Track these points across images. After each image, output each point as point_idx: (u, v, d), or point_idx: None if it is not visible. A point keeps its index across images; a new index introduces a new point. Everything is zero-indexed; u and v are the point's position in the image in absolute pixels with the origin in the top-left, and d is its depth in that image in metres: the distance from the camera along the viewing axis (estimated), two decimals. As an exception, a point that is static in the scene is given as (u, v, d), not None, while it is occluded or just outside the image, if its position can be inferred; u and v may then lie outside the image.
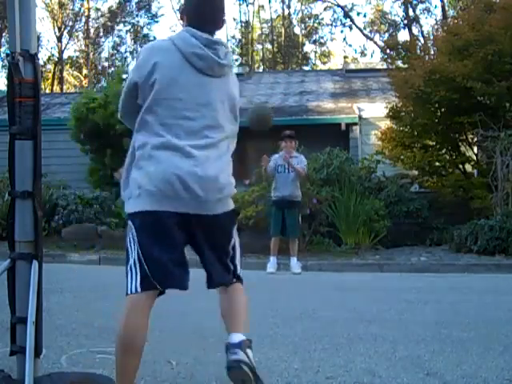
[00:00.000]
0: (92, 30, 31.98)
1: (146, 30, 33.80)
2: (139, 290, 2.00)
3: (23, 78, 2.11)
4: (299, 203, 7.40)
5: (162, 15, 52.03)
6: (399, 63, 12.28)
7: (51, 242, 9.41)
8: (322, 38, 35.26)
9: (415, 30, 27.24)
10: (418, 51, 12.35)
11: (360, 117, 12.62)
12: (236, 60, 34.76)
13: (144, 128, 2.11)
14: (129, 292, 2.01)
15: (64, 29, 30.26)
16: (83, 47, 31.80)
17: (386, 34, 29.46)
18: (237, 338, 2.18)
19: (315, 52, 36.17)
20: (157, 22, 41.61)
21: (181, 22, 2.40)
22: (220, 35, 2.23)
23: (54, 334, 3.19)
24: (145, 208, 2.03)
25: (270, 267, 7.25)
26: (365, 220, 9.40)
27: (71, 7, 30.62)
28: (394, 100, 11.39)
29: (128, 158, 2.16)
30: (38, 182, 2.15)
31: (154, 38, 34.76)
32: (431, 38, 14.49)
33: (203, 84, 2.15)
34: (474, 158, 11.04)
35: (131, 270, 2.03)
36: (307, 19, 34.53)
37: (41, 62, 2.25)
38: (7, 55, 2.10)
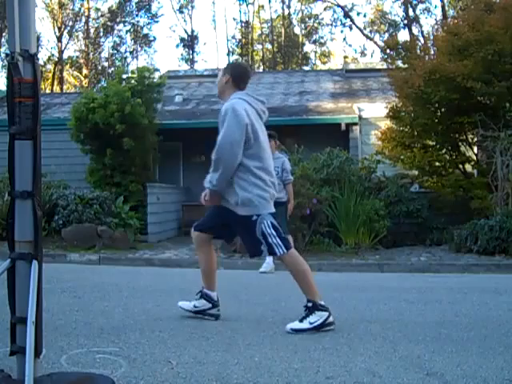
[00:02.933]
0: (92, 30, 32.02)
1: (145, 30, 33.90)
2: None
3: (23, 77, 2.11)
4: (286, 203, 7.32)
5: (162, 15, 52.17)
6: (399, 63, 12.27)
7: (51, 241, 9.42)
8: (322, 38, 35.37)
9: (415, 30, 27.31)
10: (418, 51, 12.34)
11: (360, 117, 12.62)
12: (236, 60, 34.79)
13: None
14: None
15: (64, 29, 30.30)
16: (83, 47, 31.84)
17: (386, 34, 29.52)
18: None
19: (315, 52, 36.24)
20: (157, 22, 41.76)
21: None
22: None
23: (54, 334, 3.19)
24: None
25: (262, 267, 7.16)
26: (365, 220, 9.40)
27: (71, 7, 30.68)
28: (394, 100, 11.38)
29: None
30: (38, 182, 2.15)
31: (154, 38, 34.82)
32: (431, 38, 14.47)
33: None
34: (474, 158, 11.04)
35: None
36: (307, 19, 34.60)
37: (41, 62, 2.25)
38: (7, 55, 2.10)
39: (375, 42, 30.40)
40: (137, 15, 33.10)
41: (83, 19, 31.23)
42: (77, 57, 32.61)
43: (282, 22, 34.28)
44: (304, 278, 3.56)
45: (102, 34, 32.25)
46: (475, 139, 10.82)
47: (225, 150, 3.47)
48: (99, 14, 32.13)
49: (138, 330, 3.44)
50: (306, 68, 32.38)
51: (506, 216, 8.52)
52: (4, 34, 25.54)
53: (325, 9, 32.77)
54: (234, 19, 45.16)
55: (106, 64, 33.19)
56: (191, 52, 35.14)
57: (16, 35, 2.07)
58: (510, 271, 7.54)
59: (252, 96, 3.67)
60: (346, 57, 32.77)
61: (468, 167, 11.14)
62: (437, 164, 10.72)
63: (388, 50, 13.26)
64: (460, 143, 11.00)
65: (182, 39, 34.66)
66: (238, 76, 3.70)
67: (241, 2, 36.71)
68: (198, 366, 2.68)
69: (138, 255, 9.14)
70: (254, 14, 34.74)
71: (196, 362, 2.74)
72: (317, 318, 3.43)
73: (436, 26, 16.06)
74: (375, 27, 31.54)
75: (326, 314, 3.45)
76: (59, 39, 30.35)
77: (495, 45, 9.39)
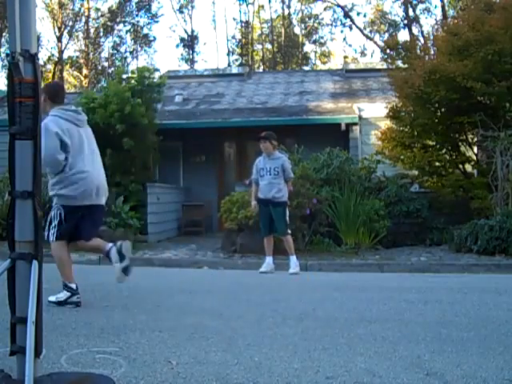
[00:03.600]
0: (92, 30, 32.00)
1: (145, 30, 33.89)
2: None
3: (23, 77, 2.11)
4: (284, 203, 7.34)
5: (162, 15, 52.15)
6: (399, 63, 12.27)
7: (51, 241, 9.39)
8: (322, 38, 35.36)
9: (415, 30, 27.31)
10: (418, 51, 12.34)
11: (360, 117, 12.62)
12: (236, 60, 34.81)
13: None
14: None
15: (64, 29, 30.27)
16: (83, 47, 31.81)
17: (386, 34, 29.51)
18: None
19: (315, 52, 36.23)
20: (157, 22, 41.71)
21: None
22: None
23: (54, 334, 3.19)
24: None
25: (262, 267, 7.26)
26: (365, 220, 9.40)
27: (71, 7, 30.65)
28: (394, 100, 11.38)
29: None
30: (38, 182, 2.15)
31: (154, 38, 34.81)
32: (431, 38, 14.47)
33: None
34: (474, 158, 11.05)
35: None
36: (307, 19, 34.59)
37: (41, 62, 2.25)
38: (7, 55, 2.10)
39: (375, 42, 30.41)
40: (137, 15, 33.09)
41: (83, 19, 31.20)
42: (77, 57, 32.59)
43: (282, 22, 34.27)
44: (62, 266, 4.31)
45: (102, 33, 32.22)
46: (475, 139, 10.83)
47: (47, 159, 3.98)
48: (99, 13, 32.12)
49: (137, 330, 3.44)
50: (306, 68, 32.36)
51: (506, 216, 8.52)
52: (4, 34, 25.52)
53: (325, 9, 32.78)
54: (234, 19, 45.15)
55: (106, 64, 33.17)
56: (191, 52, 35.14)
57: (17, 35, 2.07)
58: (510, 271, 7.54)
59: (63, 109, 4.34)
60: (346, 57, 32.78)
61: (468, 167, 11.14)
62: (437, 164, 10.72)
63: (388, 50, 13.26)
64: (460, 143, 11.00)
65: (182, 39, 34.66)
66: (52, 94, 4.35)
67: (241, 2, 36.73)
68: (198, 366, 2.68)
69: (137, 255, 9.14)
70: (254, 14, 34.74)
71: (196, 362, 2.74)
72: (62, 295, 4.21)
73: (436, 26, 16.07)
74: (375, 27, 31.54)
75: (69, 294, 4.21)
76: (59, 39, 30.33)
77: (495, 45, 9.39)
